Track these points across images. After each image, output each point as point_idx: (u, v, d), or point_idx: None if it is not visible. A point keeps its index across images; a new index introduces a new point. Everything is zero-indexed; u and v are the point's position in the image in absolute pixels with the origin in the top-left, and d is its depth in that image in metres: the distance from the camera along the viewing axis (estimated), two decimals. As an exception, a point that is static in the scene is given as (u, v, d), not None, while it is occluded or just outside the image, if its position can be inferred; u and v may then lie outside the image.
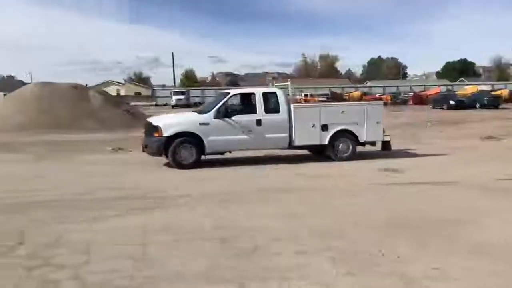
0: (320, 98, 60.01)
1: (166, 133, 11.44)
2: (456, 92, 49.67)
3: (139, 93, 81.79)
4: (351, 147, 12.38)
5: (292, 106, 12.22)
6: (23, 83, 70.42)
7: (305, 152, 13.19)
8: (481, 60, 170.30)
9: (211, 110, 11.85)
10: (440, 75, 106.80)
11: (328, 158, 12.29)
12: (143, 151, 12.03)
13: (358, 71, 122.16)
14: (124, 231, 6.05)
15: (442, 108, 40.15)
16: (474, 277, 4.40)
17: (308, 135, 12.13)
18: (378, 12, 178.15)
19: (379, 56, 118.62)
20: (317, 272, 4.56)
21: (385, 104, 51.89)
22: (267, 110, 11.96)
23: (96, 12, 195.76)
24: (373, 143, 12.79)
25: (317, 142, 12.24)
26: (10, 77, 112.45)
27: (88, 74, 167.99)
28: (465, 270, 4.54)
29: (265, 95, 12.11)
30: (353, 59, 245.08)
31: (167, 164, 11.78)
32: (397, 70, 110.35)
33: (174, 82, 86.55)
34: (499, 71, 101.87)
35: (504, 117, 28.77)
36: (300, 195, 8.22)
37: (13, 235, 5.92)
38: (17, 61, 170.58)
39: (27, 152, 15.21)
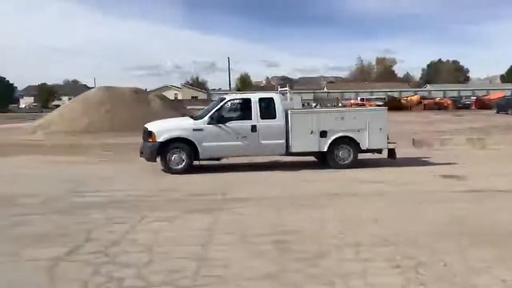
0: (377, 102, 58.99)
1: (159, 139, 11.49)
2: (523, 97, 47.19)
3: (196, 97, 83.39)
4: (352, 155, 11.91)
5: (289, 111, 11.92)
6: (87, 88, 73.76)
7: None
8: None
9: (206, 116, 11.84)
10: (505, 78, 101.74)
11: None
12: (141, 156, 12.06)
13: (417, 74, 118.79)
14: (186, 232, 6.15)
15: (507, 113, 38.21)
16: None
17: (306, 141, 11.77)
18: (438, 13, 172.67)
19: (439, 59, 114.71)
20: (384, 280, 4.45)
21: (446, 108, 50.67)
22: (263, 116, 11.74)
23: (156, 19, 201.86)
24: (379, 151, 12.24)
25: (315, 149, 11.87)
26: (75, 82, 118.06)
27: (147, 78, 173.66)
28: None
29: (261, 100, 11.89)
30: (411, 62, 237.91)
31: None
32: (458, 74, 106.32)
33: (230, 86, 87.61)
34: None
35: None
36: (359, 200, 8.05)
37: (80, 233, 6.19)
38: (81, 66, 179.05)
39: (93, 154, 15.85)
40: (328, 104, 65.82)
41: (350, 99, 66.75)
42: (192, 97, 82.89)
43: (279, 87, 16.79)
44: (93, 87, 50.88)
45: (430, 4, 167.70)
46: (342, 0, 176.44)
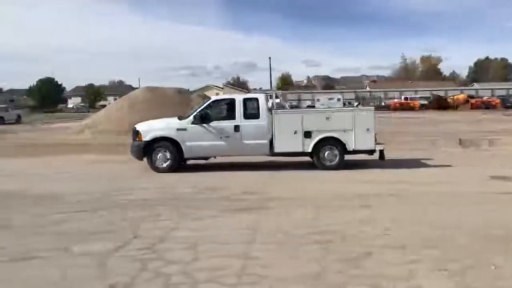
0: (421, 101, 57.61)
1: (145, 138, 11.81)
2: None
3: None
4: (338, 156, 11.66)
5: (273, 112, 11.86)
6: (131, 88, 75.54)
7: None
8: None
9: (190, 115, 11.96)
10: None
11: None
12: (131, 154, 12.29)
13: (463, 72, 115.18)
14: (229, 231, 6.22)
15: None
16: None
17: (290, 142, 11.63)
18: (485, 10, 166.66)
19: (487, 57, 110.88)
20: (431, 283, 4.36)
21: (494, 107, 48.99)
22: (247, 116, 11.78)
23: (197, 20, 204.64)
24: (370, 152, 11.87)
25: (299, 150, 11.72)
26: (120, 82, 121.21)
27: (189, 79, 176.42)
28: None
29: (245, 101, 11.96)
30: (457, 60, 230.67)
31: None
32: (506, 72, 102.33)
33: (271, 86, 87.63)
34: None
35: None
36: (404, 201, 7.89)
37: (126, 230, 6.37)
38: (126, 67, 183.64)
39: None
40: (371, 104, 65.03)
41: (394, 98, 65.51)
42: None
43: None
44: (137, 88, 52.07)
45: (477, 0, 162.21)
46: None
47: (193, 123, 11.81)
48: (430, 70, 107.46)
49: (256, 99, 12.03)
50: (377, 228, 6.19)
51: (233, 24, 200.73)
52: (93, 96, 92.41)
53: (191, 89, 55.65)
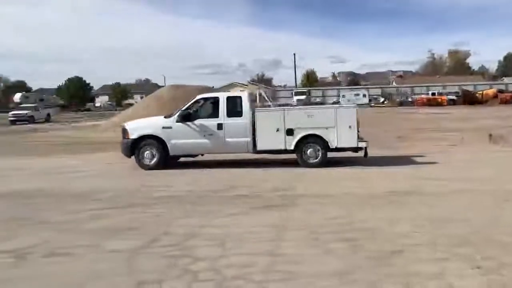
0: (449, 97, 56.52)
1: (132, 136, 12.13)
2: None
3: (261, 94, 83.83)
4: (320, 153, 11.54)
5: (256, 110, 11.82)
6: (157, 86, 76.41)
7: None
8: None
9: (175, 114, 12.08)
10: None
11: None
12: (122, 152, 12.53)
13: (492, 67, 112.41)
14: (256, 228, 6.22)
15: None
16: None
17: (272, 139, 11.62)
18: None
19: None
20: (464, 282, 4.27)
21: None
22: (230, 114, 11.82)
23: (221, 18, 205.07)
24: (354, 150, 11.70)
25: (281, 147, 11.67)
26: (146, 80, 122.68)
27: (213, 77, 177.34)
28: None
29: (229, 99, 12.01)
30: (486, 55, 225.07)
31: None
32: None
33: (296, 83, 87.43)
34: None
35: None
36: (435, 199, 7.73)
37: (155, 226, 6.44)
38: (152, 66, 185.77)
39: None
40: (398, 99, 64.11)
41: (421, 93, 64.46)
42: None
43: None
44: (163, 86, 52.57)
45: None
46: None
47: (178, 121, 12.01)
48: (458, 65, 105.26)
49: (240, 98, 12.11)
50: (408, 226, 6.10)
51: (258, 21, 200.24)
52: (120, 95, 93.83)
53: (215, 87, 55.97)
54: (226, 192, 8.79)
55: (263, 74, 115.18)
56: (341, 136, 11.45)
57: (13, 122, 40.87)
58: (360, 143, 11.57)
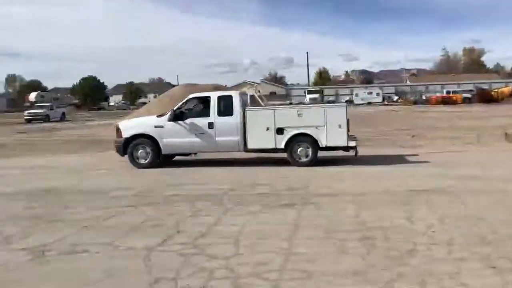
0: (464, 95, 55.95)
1: (125, 135, 12.24)
2: None
3: (274, 93, 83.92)
4: (310, 152, 11.49)
5: (246, 109, 11.81)
6: (170, 85, 76.79)
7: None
8: None
9: (168, 113, 12.17)
10: None
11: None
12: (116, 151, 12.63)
13: (508, 65, 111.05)
14: (270, 226, 6.23)
15: None
16: None
17: (262, 138, 11.63)
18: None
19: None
20: (479, 281, 4.23)
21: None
22: (221, 113, 11.89)
23: (233, 17, 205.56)
24: (345, 149, 11.58)
25: (272, 146, 11.68)
26: (160, 79, 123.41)
27: (226, 75, 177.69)
28: None
29: (220, 98, 12.05)
30: (502, 52, 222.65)
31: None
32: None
33: (308, 81, 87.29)
34: None
35: None
36: (453, 198, 7.64)
37: (171, 224, 6.47)
38: (165, 65, 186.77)
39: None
40: (412, 98, 63.63)
41: (436, 91, 63.90)
42: (271, 93, 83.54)
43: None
44: (176, 85, 52.78)
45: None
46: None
47: (169, 120, 12.08)
48: (473, 63, 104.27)
49: (231, 97, 12.13)
50: (424, 225, 6.05)
51: (270, 20, 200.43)
52: (134, 94, 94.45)
53: (228, 85, 56.04)
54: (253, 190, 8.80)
55: (276, 72, 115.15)
56: (331, 135, 11.41)
57: (28, 121, 41.47)
58: (350, 142, 11.49)
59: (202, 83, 31.06)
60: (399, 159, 12.20)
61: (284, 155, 11.80)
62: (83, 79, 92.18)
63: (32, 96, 71.93)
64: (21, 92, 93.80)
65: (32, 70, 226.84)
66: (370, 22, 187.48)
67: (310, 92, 68.98)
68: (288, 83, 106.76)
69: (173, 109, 12.24)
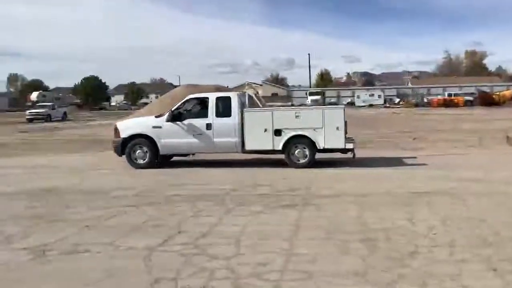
0: (466, 97, 55.93)
1: (123, 135, 12.23)
2: None
3: (276, 94, 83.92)
4: (308, 154, 11.47)
5: (244, 110, 11.78)
6: (172, 86, 76.88)
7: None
8: None
9: (166, 114, 12.16)
10: None
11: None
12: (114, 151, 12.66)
13: (510, 67, 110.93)
14: (271, 226, 6.22)
15: None
16: None
17: (260, 140, 11.63)
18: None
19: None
20: (480, 283, 4.22)
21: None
22: (219, 114, 11.89)
23: (235, 17, 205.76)
24: (343, 151, 11.55)
25: (269, 147, 11.67)
26: (161, 80, 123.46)
27: (227, 76, 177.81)
28: None
29: (218, 99, 12.06)
30: (504, 55, 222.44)
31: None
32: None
33: (310, 83, 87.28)
34: None
35: None
36: (455, 200, 7.62)
37: (172, 225, 6.47)
38: (166, 65, 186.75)
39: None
40: (413, 100, 63.60)
41: (437, 94, 63.88)
42: (272, 94, 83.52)
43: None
44: (178, 85, 52.78)
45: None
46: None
47: (168, 120, 12.08)
48: (475, 65, 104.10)
49: (229, 98, 12.13)
50: (425, 226, 6.04)
51: (272, 21, 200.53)
52: (135, 94, 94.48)
53: (230, 86, 56.05)
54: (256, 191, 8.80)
55: (277, 73, 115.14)
56: (329, 137, 11.39)
57: (30, 121, 41.51)
58: (347, 144, 11.45)
59: (203, 83, 30.98)
60: (400, 161, 12.21)
61: (282, 156, 11.80)
62: (85, 79, 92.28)
63: (34, 95, 71.90)
64: (23, 91, 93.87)
65: (34, 70, 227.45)
66: (372, 24, 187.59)
67: (311, 93, 68.91)
68: (289, 84, 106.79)
69: (171, 110, 12.25)
